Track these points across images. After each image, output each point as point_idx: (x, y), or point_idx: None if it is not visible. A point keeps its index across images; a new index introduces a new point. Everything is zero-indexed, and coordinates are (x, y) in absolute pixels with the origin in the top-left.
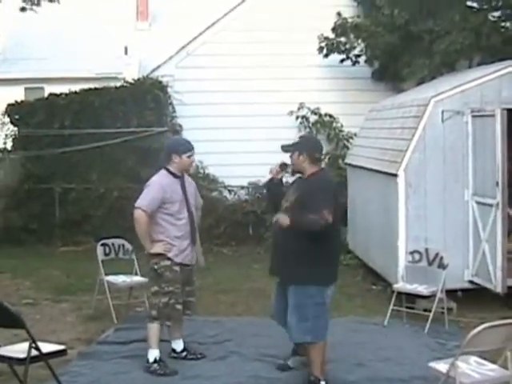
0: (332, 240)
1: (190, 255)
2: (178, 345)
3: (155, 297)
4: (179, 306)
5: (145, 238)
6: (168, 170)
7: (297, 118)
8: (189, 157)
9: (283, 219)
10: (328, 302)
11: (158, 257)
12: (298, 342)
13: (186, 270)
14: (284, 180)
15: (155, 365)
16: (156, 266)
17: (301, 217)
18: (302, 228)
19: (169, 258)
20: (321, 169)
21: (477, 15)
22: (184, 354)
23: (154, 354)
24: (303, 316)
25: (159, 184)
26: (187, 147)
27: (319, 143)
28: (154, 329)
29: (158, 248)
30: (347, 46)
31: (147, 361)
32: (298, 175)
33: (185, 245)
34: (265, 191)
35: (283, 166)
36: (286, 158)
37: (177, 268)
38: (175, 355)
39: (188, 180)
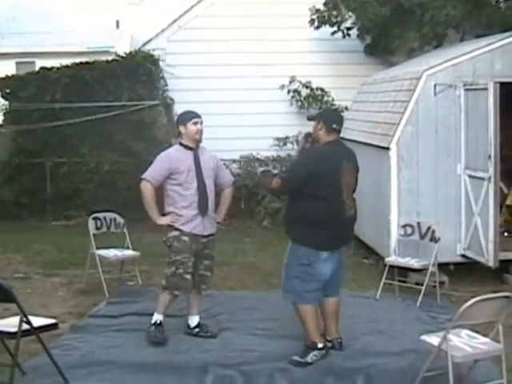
0: (321, 207)
1: (200, 225)
2: (192, 320)
3: (166, 267)
4: (188, 276)
5: (151, 209)
6: (181, 144)
7: (288, 91)
8: (194, 124)
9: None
10: (321, 268)
11: (168, 228)
12: (284, 298)
13: (200, 242)
14: None
15: (153, 327)
16: (165, 238)
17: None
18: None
19: (177, 229)
20: (335, 140)
21: None
22: (196, 330)
23: (156, 317)
24: (288, 274)
25: (166, 155)
26: (190, 115)
27: (339, 116)
28: (162, 297)
29: (164, 220)
30: (338, 19)
31: (150, 322)
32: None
33: (192, 214)
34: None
35: (308, 136)
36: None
37: (186, 238)
38: (189, 330)
39: (207, 154)
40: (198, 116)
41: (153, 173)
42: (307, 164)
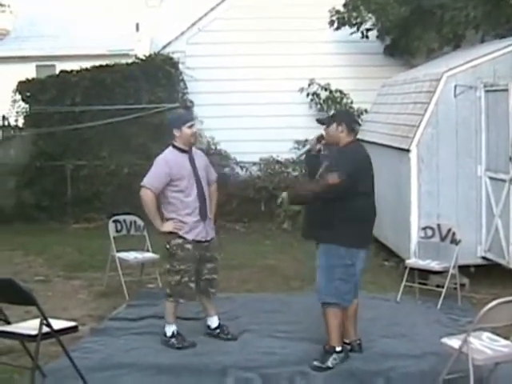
0: (362, 203)
1: (202, 231)
2: (212, 321)
3: (168, 275)
4: (192, 285)
5: (153, 216)
6: (174, 146)
7: (307, 94)
8: (189, 127)
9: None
10: (359, 267)
11: (170, 235)
12: (323, 302)
13: (201, 247)
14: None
15: (173, 339)
16: (168, 245)
17: (301, 186)
18: (304, 195)
19: (180, 236)
20: (355, 140)
21: None
22: (217, 331)
23: (170, 328)
24: (330, 276)
25: (163, 160)
26: (186, 118)
27: (354, 116)
28: (168, 306)
29: (167, 226)
30: (358, 20)
31: (164, 334)
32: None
33: (195, 221)
34: (304, 161)
35: (320, 138)
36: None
37: (189, 246)
38: (209, 331)
39: (198, 153)
40: (192, 119)
41: (152, 180)
42: (354, 162)
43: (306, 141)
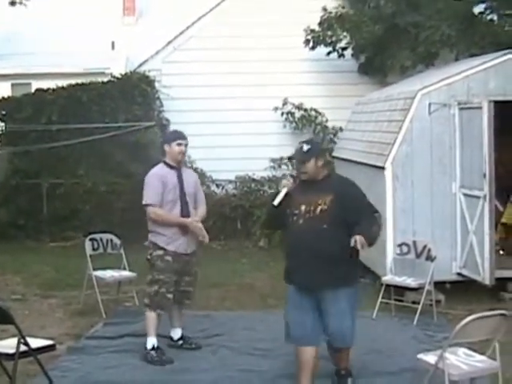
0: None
1: (183, 244)
2: (176, 333)
3: (148, 285)
4: (170, 295)
5: (176, 220)
6: (164, 162)
7: (282, 114)
8: (178, 145)
9: (361, 240)
10: None
11: (153, 247)
12: (351, 345)
13: (182, 260)
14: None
15: (152, 352)
16: (149, 256)
17: (369, 227)
18: (376, 236)
19: (161, 248)
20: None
21: (460, 3)
22: (180, 342)
23: (151, 341)
24: (355, 320)
25: (156, 175)
26: (176, 136)
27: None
28: (149, 317)
29: (193, 222)
30: (333, 39)
31: (145, 348)
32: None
33: (176, 233)
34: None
35: (295, 177)
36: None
37: (169, 258)
38: (172, 343)
39: (187, 171)
40: (183, 138)
41: (153, 196)
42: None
43: (282, 159)
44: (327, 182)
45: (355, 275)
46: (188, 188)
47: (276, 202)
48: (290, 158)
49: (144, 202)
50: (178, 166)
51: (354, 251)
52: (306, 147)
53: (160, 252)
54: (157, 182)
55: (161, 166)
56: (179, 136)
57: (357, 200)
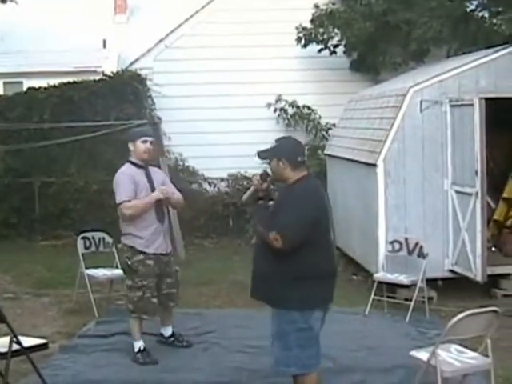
0: (313, 256)
1: (162, 244)
2: (167, 331)
3: (130, 291)
4: (154, 300)
5: (146, 202)
6: (130, 162)
7: (275, 110)
8: (143, 142)
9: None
10: (316, 327)
11: (131, 250)
12: (284, 372)
13: (162, 261)
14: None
15: (139, 354)
16: (129, 262)
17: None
18: (257, 231)
19: (141, 252)
20: (306, 175)
21: (453, 3)
22: (171, 339)
23: (137, 345)
24: (286, 344)
25: (123, 174)
26: (141, 133)
27: (299, 145)
28: (133, 323)
29: (157, 194)
30: (325, 36)
31: (133, 350)
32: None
33: (152, 234)
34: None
35: (264, 176)
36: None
37: (150, 262)
38: (163, 340)
39: (154, 169)
40: (148, 135)
41: (125, 192)
42: (304, 210)
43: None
44: (289, 190)
45: (284, 297)
46: (158, 185)
47: (243, 198)
48: (258, 154)
49: (118, 201)
50: (145, 165)
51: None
52: (270, 146)
53: (140, 256)
54: (127, 179)
55: (127, 165)
56: (144, 133)
57: (281, 212)
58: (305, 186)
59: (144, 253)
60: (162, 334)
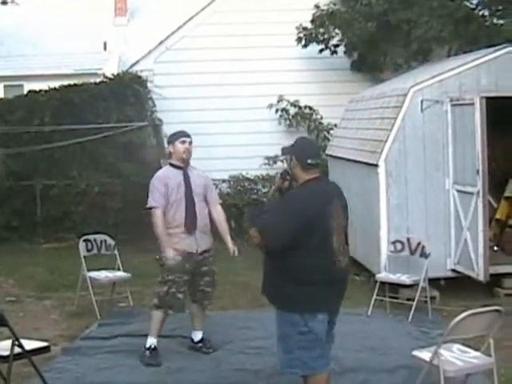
0: (304, 261)
1: (193, 244)
2: (196, 335)
3: (158, 286)
4: (180, 295)
5: (163, 237)
6: (170, 164)
7: (276, 111)
8: (182, 142)
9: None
10: (319, 330)
11: (161, 245)
12: (288, 373)
13: (194, 260)
14: None
15: (147, 352)
16: (158, 256)
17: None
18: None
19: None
20: (316, 177)
21: (454, 3)
22: (199, 345)
23: (150, 341)
24: (288, 347)
25: (158, 177)
26: (179, 135)
27: (312, 147)
28: (155, 316)
29: (169, 253)
30: (325, 36)
31: (144, 346)
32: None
33: (183, 233)
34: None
35: (284, 175)
36: None
37: (178, 257)
38: (192, 344)
39: (195, 172)
40: (186, 136)
41: (157, 198)
42: (294, 211)
43: (276, 157)
44: (293, 190)
45: (284, 298)
46: (196, 188)
47: (269, 197)
48: (282, 150)
49: (149, 205)
50: (184, 166)
51: None
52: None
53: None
54: (158, 184)
55: (166, 167)
56: (182, 134)
57: (270, 211)
58: (307, 188)
59: (174, 249)
60: (191, 339)
